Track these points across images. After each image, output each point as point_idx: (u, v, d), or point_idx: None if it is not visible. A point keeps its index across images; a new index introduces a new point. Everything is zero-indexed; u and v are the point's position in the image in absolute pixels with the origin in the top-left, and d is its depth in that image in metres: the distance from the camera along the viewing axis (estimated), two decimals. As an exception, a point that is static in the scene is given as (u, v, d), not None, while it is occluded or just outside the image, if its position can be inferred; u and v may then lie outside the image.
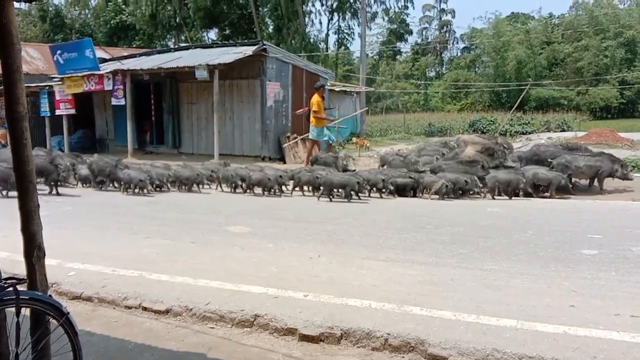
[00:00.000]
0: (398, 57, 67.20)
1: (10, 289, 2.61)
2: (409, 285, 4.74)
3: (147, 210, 9.18)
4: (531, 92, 44.12)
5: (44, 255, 3.09)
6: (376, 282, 4.84)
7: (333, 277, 5.04)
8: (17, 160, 2.99)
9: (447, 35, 73.63)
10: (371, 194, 10.49)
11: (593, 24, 51.43)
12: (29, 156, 3.01)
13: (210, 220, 8.20)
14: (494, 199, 10.30)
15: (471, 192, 10.62)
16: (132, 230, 7.44)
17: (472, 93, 55.52)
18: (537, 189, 10.54)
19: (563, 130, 29.72)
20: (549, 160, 11.23)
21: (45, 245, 3.08)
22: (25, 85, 3.11)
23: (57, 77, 19.60)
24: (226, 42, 28.63)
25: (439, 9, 72.86)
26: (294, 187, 10.91)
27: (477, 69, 63.82)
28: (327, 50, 49.14)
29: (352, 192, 9.90)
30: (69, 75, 18.39)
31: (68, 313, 2.78)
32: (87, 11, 54.59)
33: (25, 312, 2.70)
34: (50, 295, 2.97)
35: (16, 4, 3.08)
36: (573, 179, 11.05)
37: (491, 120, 31.38)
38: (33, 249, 3.02)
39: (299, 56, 24.26)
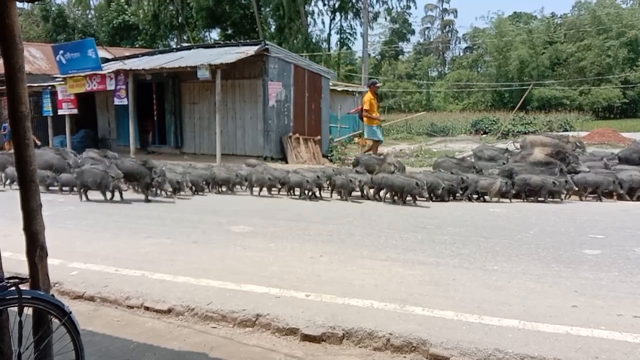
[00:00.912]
0: (400, 57, 67.13)
1: (13, 288, 2.62)
2: (410, 285, 4.74)
3: (148, 210, 9.20)
4: (533, 92, 44.06)
5: (47, 254, 3.09)
6: (378, 282, 4.84)
7: (335, 276, 5.04)
8: (20, 159, 3.00)
9: (449, 35, 73.64)
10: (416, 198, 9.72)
11: (595, 24, 51.33)
12: (31, 156, 3.01)
13: (212, 220, 8.20)
14: (581, 200, 10.02)
15: (552, 195, 9.91)
16: (134, 230, 7.45)
17: (475, 93, 55.51)
18: (633, 192, 9.88)
19: (565, 130, 29.69)
20: None
21: (47, 244, 3.09)
22: (28, 85, 3.11)
23: (59, 77, 19.61)
24: (228, 42, 28.64)
25: (441, 8, 72.92)
26: (332, 190, 10.49)
27: (479, 69, 63.79)
28: (329, 50, 49.17)
29: (410, 195, 9.42)
30: (71, 75, 18.39)
31: (70, 312, 2.78)
32: (89, 11, 54.70)
33: (28, 311, 2.71)
34: (52, 295, 2.98)
35: (19, 4, 3.09)
36: None
37: (493, 120, 31.35)
38: (35, 248, 3.02)
39: (301, 56, 24.26)
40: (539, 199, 9.77)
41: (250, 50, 16.57)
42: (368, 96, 14.18)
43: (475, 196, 10.14)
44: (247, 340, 3.92)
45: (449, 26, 73.82)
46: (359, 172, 10.61)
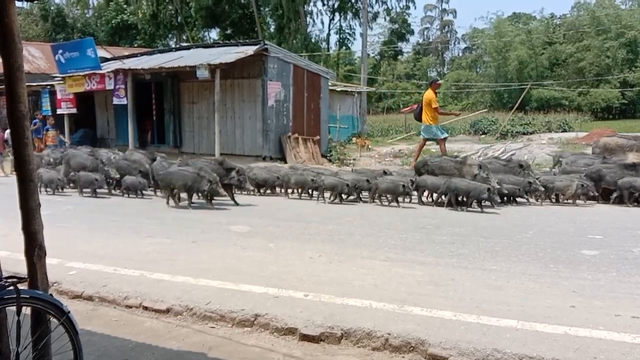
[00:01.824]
0: (399, 57, 67.13)
1: (11, 287, 2.61)
2: (409, 285, 4.74)
3: (147, 210, 9.19)
4: (532, 92, 44.09)
5: (45, 254, 3.09)
6: (377, 282, 4.84)
7: (334, 276, 5.05)
8: (19, 159, 3.00)
9: (448, 35, 73.65)
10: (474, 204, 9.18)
11: (595, 25, 51.36)
12: (30, 155, 3.01)
13: (211, 219, 8.20)
14: None
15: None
16: (133, 229, 7.45)
17: (474, 93, 55.51)
18: None
19: (564, 131, 29.68)
20: None
21: (46, 244, 3.09)
22: (27, 84, 3.11)
23: (58, 77, 19.61)
24: (227, 41, 28.63)
25: (440, 9, 72.92)
26: (373, 194, 9.80)
27: (478, 69, 63.79)
28: (328, 50, 49.15)
29: (481, 201, 8.82)
30: (70, 75, 18.39)
31: (69, 312, 2.78)
32: (88, 10, 54.67)
33: (26, 311, 2.71)
34: (50, 294, 2.98)
35: (18, 3, 3.09)
36: None
37: (492, 121, 31.35)
38: (34, 247, 3.02)
39: (300, 56, 24.27)
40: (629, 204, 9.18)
41: (250, 50, 16.57)
42: (431, 94, 13.40)
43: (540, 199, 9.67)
44: (245, 340, 3.92)
45: (448, 26, 73.86)
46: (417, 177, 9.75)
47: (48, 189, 11.15)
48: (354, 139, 24.88)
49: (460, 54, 72.08)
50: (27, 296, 2.70)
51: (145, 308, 4.48)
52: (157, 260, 5.69)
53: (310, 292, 4.57)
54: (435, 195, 9.67)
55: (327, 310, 4.17)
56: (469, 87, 54.75)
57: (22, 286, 2.70)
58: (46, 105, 20.26)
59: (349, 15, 47.96)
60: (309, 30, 42.77)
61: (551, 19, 61.00)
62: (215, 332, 4.07)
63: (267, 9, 42.59)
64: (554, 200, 9.83)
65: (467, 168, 9.59)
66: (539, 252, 5.94)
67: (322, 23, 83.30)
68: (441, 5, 72.58)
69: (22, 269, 3.07)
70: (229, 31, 45.23)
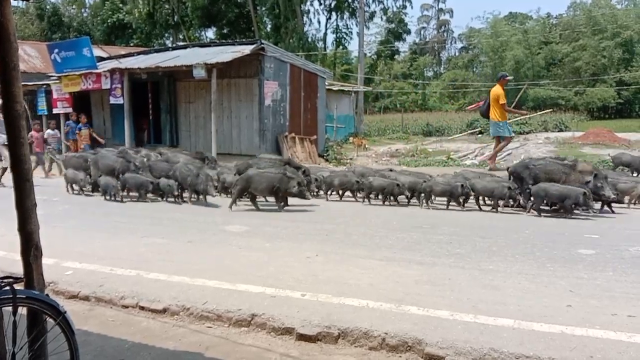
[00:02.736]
0: (396, 56, 67.15)
1: (7, 287, 2.60)
2: (406, 285, 4.74)
3: (144, 210, 9.17)
4: (529, 92, 44.15)
5: (41, 254, 3.08)
6: (373, 282, 4.84)
7: (331, 276, 5.04)
8: (14, 158, 2.98)
9: (445, 35, 73.69)
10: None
11: (591, 24, 51.48)
12: (26, 155, 3.00)
13: (208, 219, 8.19)
14: None
15: None
16: (129, 229, 7.43)
17: (470, 93, 55.55)
18: None
19: (560, 131, 29.74)
20: None
21: (42, 244, 3.07)
22: (23, 83, 3.10)
23: (54, 76, 19.54)
24: (224, 41, 28.59)
25: (437, 8, 72.93)
26: (427, 197, 9.20)
27: (475, 69, 63.87)
28: (325, 50, 49.13)
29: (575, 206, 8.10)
30: (66, 74, 18.33)
31: (65, 312, 2.77)
32: (84, 10, 54.51)
33: (22, 311, 2.70)
34: (47, 295, 2.97)
35: (13, 2, 3.07)
36: None
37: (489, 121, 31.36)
38: (30, 247, 3.01)
39: (297, 55, 24.24)
40: None
41: (246, 49, 16.55)
42: (499, 90, 13.05)
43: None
44: (242, 339, 3.92)
45: (445, 26, 73.87)
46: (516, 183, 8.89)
47: (75, 189, 11.05)
48: (350, 138, 24.88)
49: (457, 54, 72.10)
50: (23, 296, 2.69)
51: (142, 308, 4.47)
52: (154, 260, 5.68)
53: (307, 292, 4.56)
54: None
55: (324, 310, 4.17)
56: (466, 86, 54.80)
57: (19, 286, 2.69)
58: (42, 104, 20.17)
59: (346, 14, 47.95)
60: (305, 29, 42.75)
61: (547, 18, 61.11)
62: (212, 331, 4.06)
63: (263, 8, 42.51)
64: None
65: (577, 175, 8.49)
66: (536, 252, 5.95)
67: (319, 22, 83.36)
68: (438, 5, 72.64)
69: (19, 269, 3.06)
70: (225, 30, 45.19)
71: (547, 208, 8.66)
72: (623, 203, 8.97)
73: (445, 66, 70.43)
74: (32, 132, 14.37)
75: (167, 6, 44.01)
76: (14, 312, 2.59)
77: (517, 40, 53.12)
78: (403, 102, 54.36)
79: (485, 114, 13.71)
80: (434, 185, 8.98)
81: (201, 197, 9.67)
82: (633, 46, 49.95)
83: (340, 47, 51.01)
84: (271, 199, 9.46)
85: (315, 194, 10.24)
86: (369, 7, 46.58)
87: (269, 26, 42.90)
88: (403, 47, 67.71)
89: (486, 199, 9.19)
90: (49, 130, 15.20)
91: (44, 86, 20.18)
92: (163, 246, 6.37)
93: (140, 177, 10.25)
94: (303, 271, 5.22)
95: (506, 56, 51.94)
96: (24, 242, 3.01)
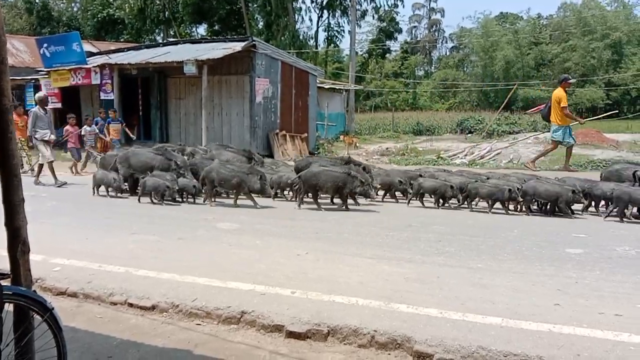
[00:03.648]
0: (387, 55, 67.26)
1: (-6, 284, 2.58)
2: (396, 283, 4.76)
3: (134, 207, 9.12)
4: (518, 92, 44.44)
5: (29, 250, 3.05)
6: (363, 280, 4.85)
7: (321, 274, 5.04)
8: (2, 153, 2.95)
9: (436, 34, 73.89)
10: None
11: (581, 25, 51.91)
12: (14, 150, 2.97)
13: (199, 217, 8.16)
14: None
15: None
16: (119, 226, 7.39)
17: (460, 92, 55.84)
18: None
19: (549, 131, 29.94)
20: None
21: (30, 240, 3.05)
22: (11, 78, 3.06)
23: (43, 71, 19.39)
24: (215, 37, 28.47)
25: (428, 7, 73.11)
26: (472, 199, 8.83)
27: (465, 69, 64.20)
28: (316, 48, 49.14)
29: None
30: (55, 69, 18.19)
31: (52, 309, 2.75)
32: (74, 4, 54.03)
33: (9, 307, 2.67)
34: (34, 291, 2.94)
35: (2, -5, 3.04)
36: None
37: (479, 120, 31.56)
38: (17, 243, 2.98)
39: (289, 53, 24.22)
40: None
41: (238, 46, 16.52)
42: (560, 92, 12.66)
43: None
44: (232, 337, 3.91)
45: (436, 25, 74.07)
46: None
47: (102, 191, 10.13)
48: (341, 136, 24.89)
49: (448, 53, 72.39)
50: (10, 293, 2.66)
51: (131, 305, 4.44)
52: (143, 257, 5.65)
53: (297, 290, 4.56)
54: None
55: (314, 307, 4.17)
56: (456, 86, 55.05)
57: (5, 282, 2.66)
58: (31, 99, 20.01)
59: (338, 12, 47.96)
60: (297, 27, 42.70)
61: (538, 19, 61.56)
62: (201, 329, 4.05)
63: (255, 5, 42.44)
64: None
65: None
66: (524, 251, 5.99)
67: (311, 20, 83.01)
68: (429, 4, 72.82)
69: (5, 265, 3.03)
70: (216, 27, 45.03)
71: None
72: None
73: (436, 65, 70.70)
74: (67, 127, 13.91)
75: (158, 2, 43.72)
76: (0, 309, 2.56)
77: (507, 40, 53.47)
78: (394, 101, 54.55)
79: (546, 117, 13.34)
80: (479, 187, 8.55)
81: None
82: (622, 48, 50.44)
83: (332, 45, 51.04)
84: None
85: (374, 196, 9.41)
86: (361, 6, 46.60)
87: (261, 23, 42.82)
88: (394, 46, 67.89)
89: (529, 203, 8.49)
90: (86, 127, 14.36)
91: (33, 81, 20.02)
92: (153, 243, 6.34)
93: (184, 180, 9.45)
94: (293, 269, 5.22)
95: (496, 56, 52.26)
96: (10, 237, 2.98)
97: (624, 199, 7.61)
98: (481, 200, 8.90)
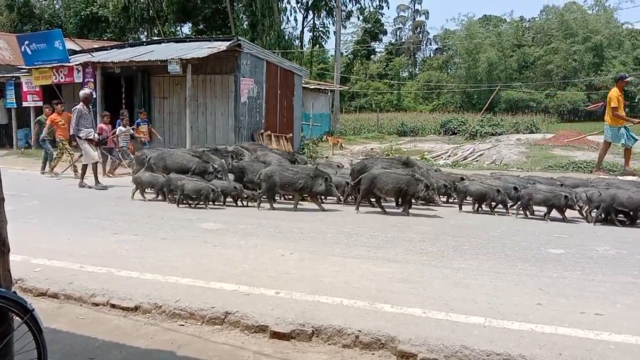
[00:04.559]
0: (372, 56, 67.50)
1: (-28, 284, 2.53)
2: (380, 283, 4.77)
3: (116, 206, 9.02)
4: (501, 94, 44.90)
5: (9, 250, 3.00)
6: (348, 280, 4.86)
7: (305, 274, 5.04)
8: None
9: (420, 36, 74.32)
10: None
11: (563, 28, 52.63)
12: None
13: (181, 216, 8.10)
14: None
15: None
16: (101, 226, 7.30)
17: (444, 94, 56.23)
18: None
19: (531, 132, 30.26)
20: None
21: (10, 240, 3.00)
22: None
23: (24, 68, 19.09)
24: (200, 36, 28.31)
25: (413, 9, 73.52)
26: (525, 205, 8.35)
27: (449, 70, 64.64)
28: (302, 48, 49.12)
29: None
30: (37, 67, 17.93)
31: (33, 310, 2.71)
32: (56, 1, 53.31)
33: (-12, 308, 2.63)
34: (14, 292, 2.90)
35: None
36: None
37: (462, 121, 31.81)
38: (-3, 243, 2.93)
39: (274, 53, 24.16)
40: None
41: (222, 45, 16.42)
42: (615, 92, 12.17)
43: None
44: (215, 338, 3.89)
45: (420, 27, 74.51)
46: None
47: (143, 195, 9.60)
48: (326, 137, 24.90)
49: (432, 55, 72.86)
50: (-11, 294, 2.62)
51: (113, 306, 4.40)
52: (126, 258, 5.60)
53: (281, 290, 4.55)
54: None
55: (299, 307, 4.17)
56: (440, 87, 55.43)
57: (-16, 283, 2.62)
58: (11, 97, 19.71)
59: (323, 13, 48.08)
60: (282, 27, 42.65)
61: (520, 22, 62.28)
62: (185, 330, 4.02)
63: (240, 5, 42.28)
64: None
65: None
66: (507, 251, 6.05)
67: (296, 20, 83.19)
68: (414, 6, 73.24)
69: (-16, 266, 2.98)
70: (201, 26, 44.76)
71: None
72: None
73: (420, 67, 71.10)
74: (101, 125, 13.28)
75: (142, 0, 43.33)
76: (-20, 310, 2.52)
77: (490, 42, 53.98)
78: (378, 102, 54.69)
79: (603, 116, 12.67)
80: (535, 192, 8.10)
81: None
82: (603, 51, 51.22)
83: (317, 45, 51.10)
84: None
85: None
86: (346, 7, 46.79)
87: (246, 23, 42.65)
88: (379, 47, 68.20)
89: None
90: (121, 127, 13.68)
91: (13, 78, 19.70)
92: (136, 243, 6.28)
93: (223, 182, 9.13)
94: (277, 269, 5.21)
95: (480, 58, 52.72)
96: (-10, 237, 2.93)
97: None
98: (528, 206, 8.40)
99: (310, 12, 47.91)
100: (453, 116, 36.50)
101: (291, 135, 20.08)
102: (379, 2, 50.91)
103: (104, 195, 10.09)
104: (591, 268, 5.35)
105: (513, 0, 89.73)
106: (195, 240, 6.47)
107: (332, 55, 52.59)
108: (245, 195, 9.23)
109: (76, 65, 17.29)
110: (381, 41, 68.14)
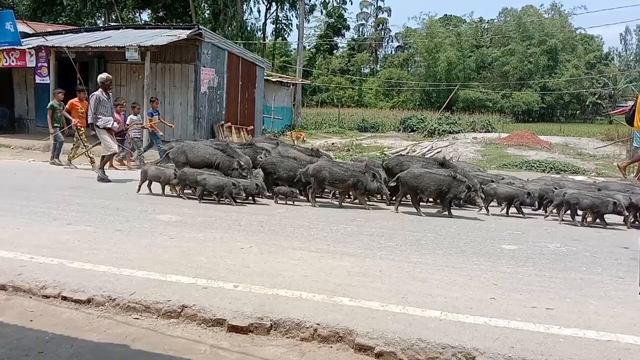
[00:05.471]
0: (335, 51, 67.67)
1: None
2: (339, 276, 4.79)
3: (70, 196, 8.74)
4: (459, 93, 45.82)
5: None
6: (307, 273, 4.86)
7: (264, 267, 5.01)
8: None
9: (382, 33, 74.95)
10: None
11: (520, 31, 54.09)
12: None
13: (137, 207, 7.92)
14: None
15: None
16: (52, 216, 7.05)
17: (404, 91, 56.96)
18: None
19: (487, 131, 31.05)
20: None
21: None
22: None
23: (-28, 50, 18.24)
24: (160, 24, 27.68)
25: (375, 6, 74.01)
26: (571, 210, 8.04)
27: (409, 68, 65.51)
28: (264, 40, 48.76)
29: None
30: (-15, 49, 17.16)
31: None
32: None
33: None
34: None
35: None
36: None
37: (421, 119, 32.33)
38: (-60, 232, 2.79)
39: (236, 43, 23.89)
40: None
41: (183, 33, 16.15)
42: None
43: None
44: (171, 331, 3.82)
45: (383, 24, 75.15)
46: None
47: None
48: (288, 132, 24.83)
49: (393, 52, 73.64)
50: None
51: (64, 298, 4.26)
52: (78, 249, 5.43)
53: (240, 283, 4.51)
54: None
55: (257, 301, 4.14)
56: (400, 85, 56.10)
57: None
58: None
59: (286, 5, 47.84)
60: (245, 17, 42.20)
61: (480, 23, 63.65)
62: (140, 323, 3.93)
63: (202, -7, 41.61)
64: None
65: None
66: (462, 246, 6.19)
67: (259, 12, 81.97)
68: (376, 3, 73.75)
69: None
70: (161, 13, 43.85)
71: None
72: None
73: (381, 64, 71.76)
74: (115, 115, 11.79)
75: (99, -17, 42.00)
76: None
77: (450, 42, 55.00)
78: (340, 97, 54.94)
79: (630, 122, 11.71)
80: (581, 197, 7.77)
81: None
82: (557, 54, 52.97)
83: (280, 38, 50.83)
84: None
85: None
86: (310, 0, 46.62)
87: (207, 12, 42.02)
88: (342, 42, 68.47)
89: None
90: (132, 116, 13.07)
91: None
92: (89, 234, 6.09)
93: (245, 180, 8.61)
94: (236, 262, 5.16)
95: (439, 57, 53.65)
96: None
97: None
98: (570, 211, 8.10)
99: (274, 3, 47.62)
100: (412, 113, 37.08)
101: (252, 127, 19.94)
102: (343, -3, 51.07)
103: (57, 185, 9.75)
104: (543, 264, 5.53)
105: (473, 1, 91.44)
106: (151, 232, 6.33)
107: (294, 49, 52.54)
108: (268, 194, 8.86)
109: (29, 48, 16.66)
110: (344, 36, 68.47)
